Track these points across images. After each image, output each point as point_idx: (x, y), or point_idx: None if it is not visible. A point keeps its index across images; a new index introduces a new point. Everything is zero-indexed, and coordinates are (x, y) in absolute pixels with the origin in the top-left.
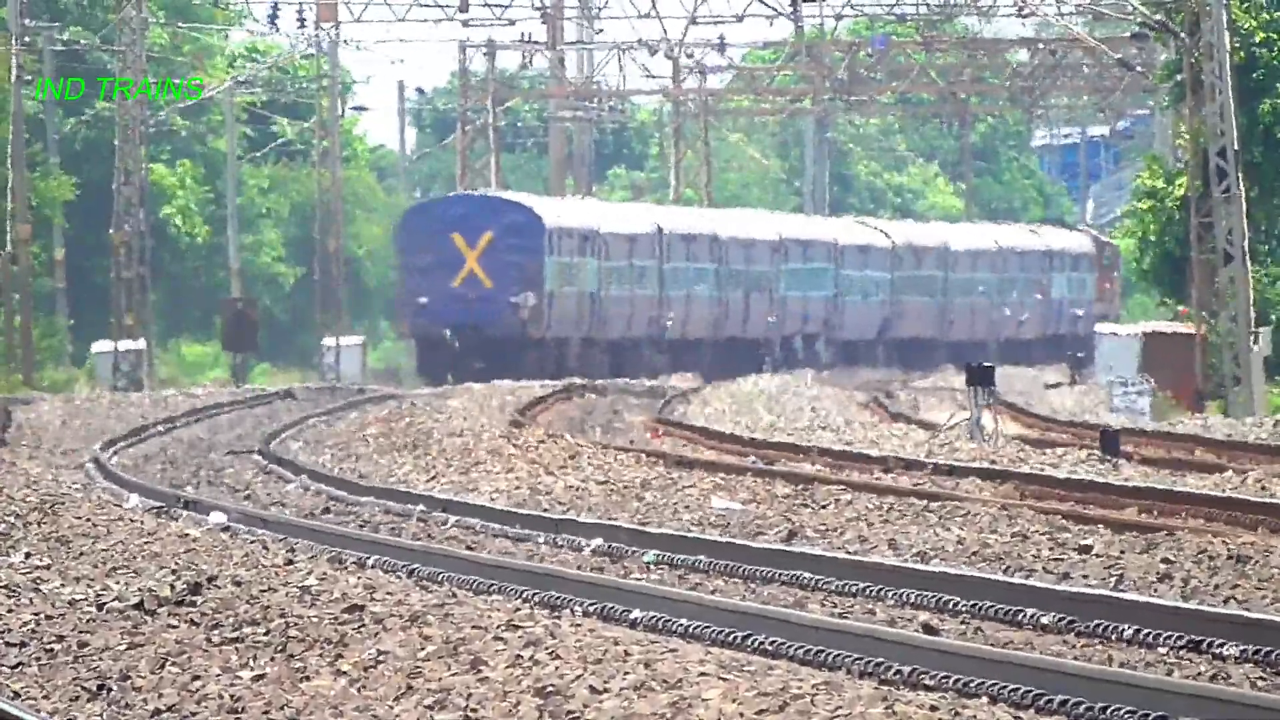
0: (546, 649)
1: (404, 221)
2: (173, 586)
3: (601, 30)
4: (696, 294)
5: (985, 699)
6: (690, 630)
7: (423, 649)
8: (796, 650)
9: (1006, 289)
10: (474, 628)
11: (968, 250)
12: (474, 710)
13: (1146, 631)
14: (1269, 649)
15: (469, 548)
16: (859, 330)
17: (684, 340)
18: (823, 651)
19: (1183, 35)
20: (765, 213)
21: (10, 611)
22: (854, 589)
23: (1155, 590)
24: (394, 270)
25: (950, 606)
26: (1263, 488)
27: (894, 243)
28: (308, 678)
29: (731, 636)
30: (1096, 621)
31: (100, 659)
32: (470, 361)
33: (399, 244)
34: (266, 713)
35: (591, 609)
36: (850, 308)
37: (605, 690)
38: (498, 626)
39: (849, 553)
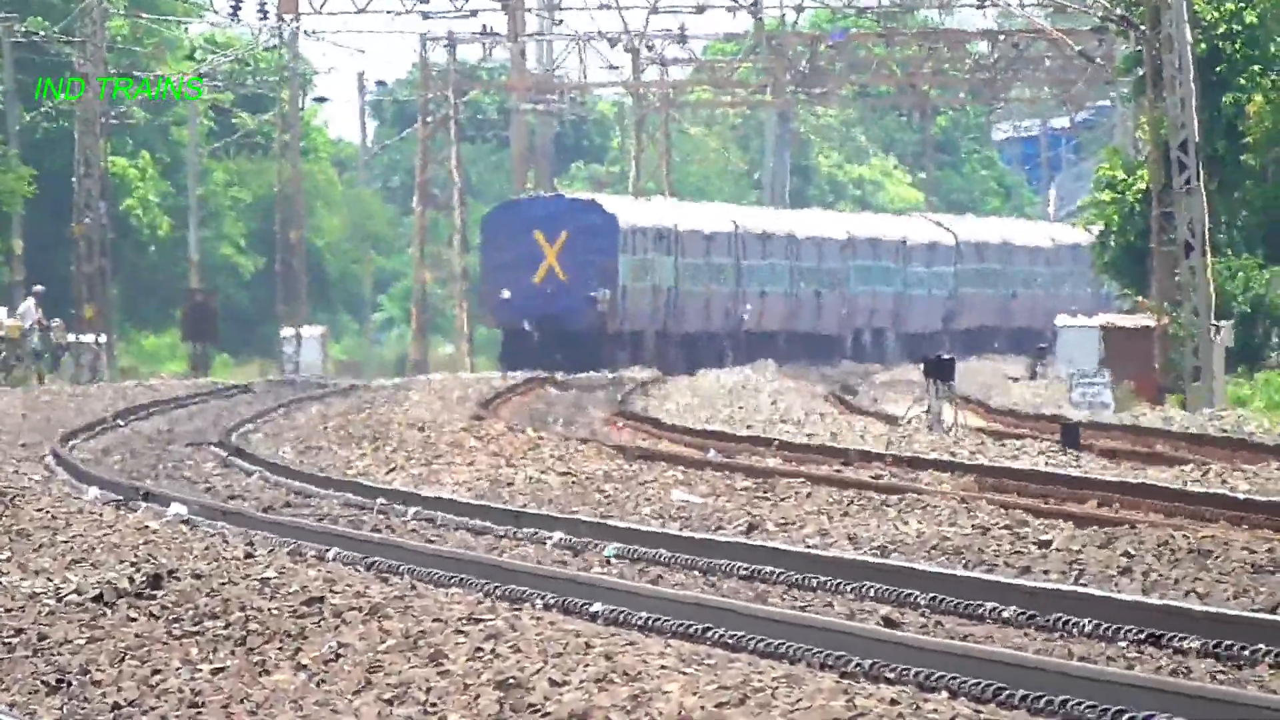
0: (507, 642)
1: (487, 221)
2: (132, 579)
3: (562, 22)
4: (771, 290)
5: (945, 693)
6: (651, 623)
7: (383, 642)
8: (757, 643)
9: (1060, 281)
10: (434, 620)
11: (1025, 245)
12: (434, 704)
13: (1107, 625)
14: (1230, 642)
15: (429, 540)
16: (924, 323)
17: (759, 333)
18: (783, 644)
19: (1144, 28)
20: (835, 212)
21: None
22: (814, 582)
23: (1116, 584)
24: (475, 267)
25: (910, 600)
26: (1223, 481)
27: (957, 239)
28: (267, 671)
29: (692, 629)
30: (1057, 615)
31: (59, 652)
32: (550, 353)
33: (482, 242)
34: (226, 706)
35: (552, 602)
36: (916, 301)
37: (566, 683)
38: (458, 619)
39: (809, 546)
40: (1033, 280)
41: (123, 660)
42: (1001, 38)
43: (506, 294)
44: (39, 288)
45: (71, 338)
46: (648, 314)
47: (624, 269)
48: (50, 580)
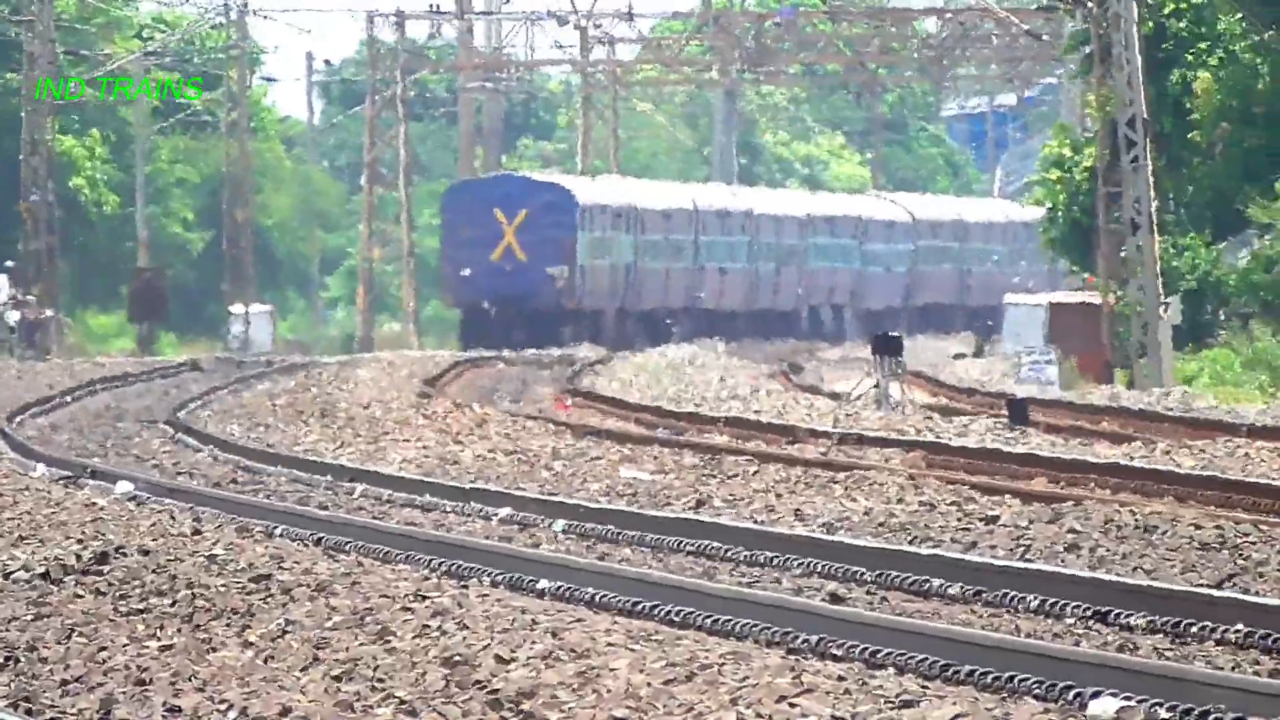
0: (454, 619)
1: (446, 200)
2: (79, 556)
3: (510, 0)
4: (730, 267)
5: (892, 669)
6: (598, 600)
7: (330, 619)
8: (704, 620)
9: (1016, 258)
10: (381, 597)
11: (981, 223)
12: (381, 680)
13: (1054, 601)
14: (1176, 619)
15: (376, 517)
16: (883, 299)
17: (718, 311)
18: (730, 621)
19: (1091, 6)
20: (794, 190)
21: None
22: (761, 559)
23: (1062, 560)
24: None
25: (857, 576)
26: (1170, 457)
27: (914, 216)
28: (214, 648)
29: (639, 606)
30: (1004, 591)
31: (6, 629)
32: (509, 331)
33: (443, 220)
34: (174, 683)
35: (499, 579)
36: (875, 278)
37: (513, 660)
38: (405, 596)
39: (756, 523)
40: (988, 257)
41: (70, 637)
42: (949, 16)
43: (466, 272)
44: (9, 264)
45: (48, 313)
46: (607, 291)
47: (582, 247)
48: None
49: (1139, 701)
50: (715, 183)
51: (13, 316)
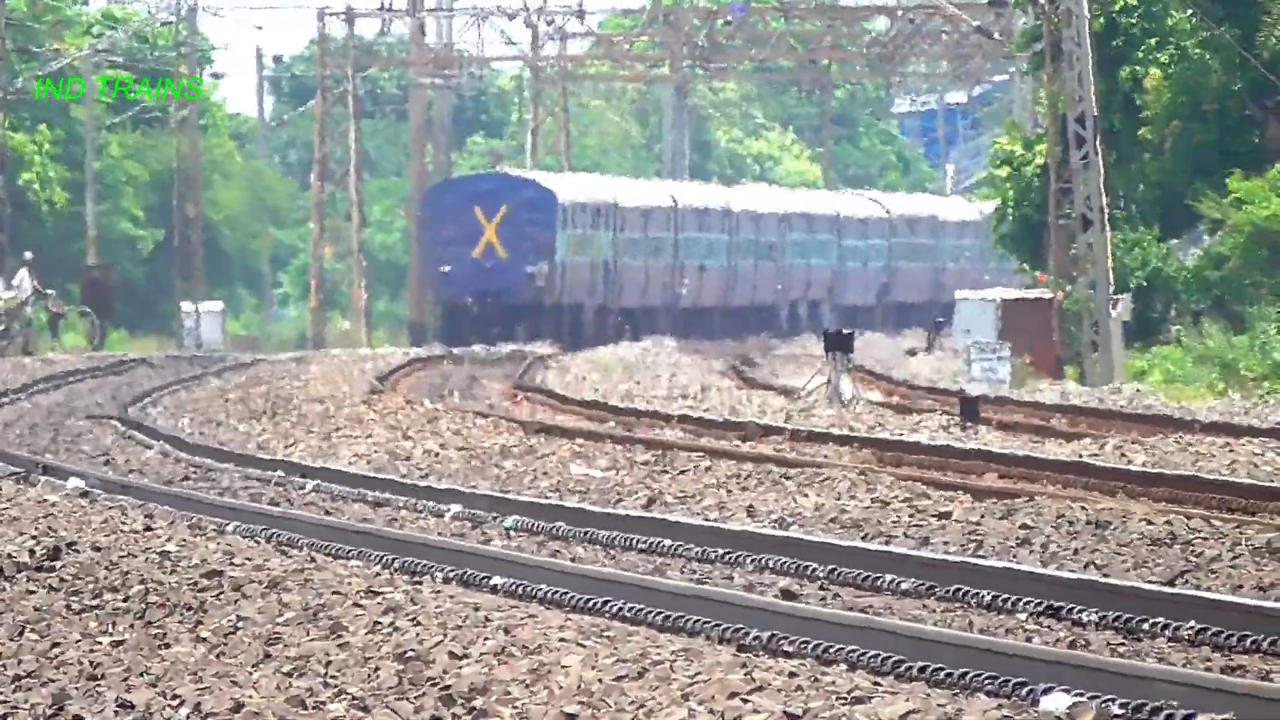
0: (406, 615)
1: (428, 198)
2: (32, 552)
3: None
4: (709, 264)
5: (844, 665)
6: (550, 596)
7: (282, 614)
8: (656, 616)
9: (989, 254)
10: (333, 593)
11: (955, 220)
12: (333, 676)
13: (1005, 597)
14: (1128, 615)
15: (328, 513)
16: (861, 296)
17: (697, 307)
18: (682, 618)
19: (1042, 2)
20: (773, 187)
21: None
22: (713, 555)
23: (1014, 556)
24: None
25: (809, 573)
26: (1121, 454)
27: (890, 213)
28: (167, 644)
29: (591, 603)
30: (956, 587)
31: None
32: (490, 327)
33: (423, 217)
34: (126, 679)
35: (451, 575)
36: (852, 275)
37: (465, 656)
38: (357, 592)
39: (708, 519)
40: (962, 254)
41: (22, 633)
42: (899, 13)
43: (447, 269)
44: (29, 255)
45: (69, 307)
46: (586, 288)
47: (562, 244)
48: None
49: (1091, 697)
50: (696, 181)
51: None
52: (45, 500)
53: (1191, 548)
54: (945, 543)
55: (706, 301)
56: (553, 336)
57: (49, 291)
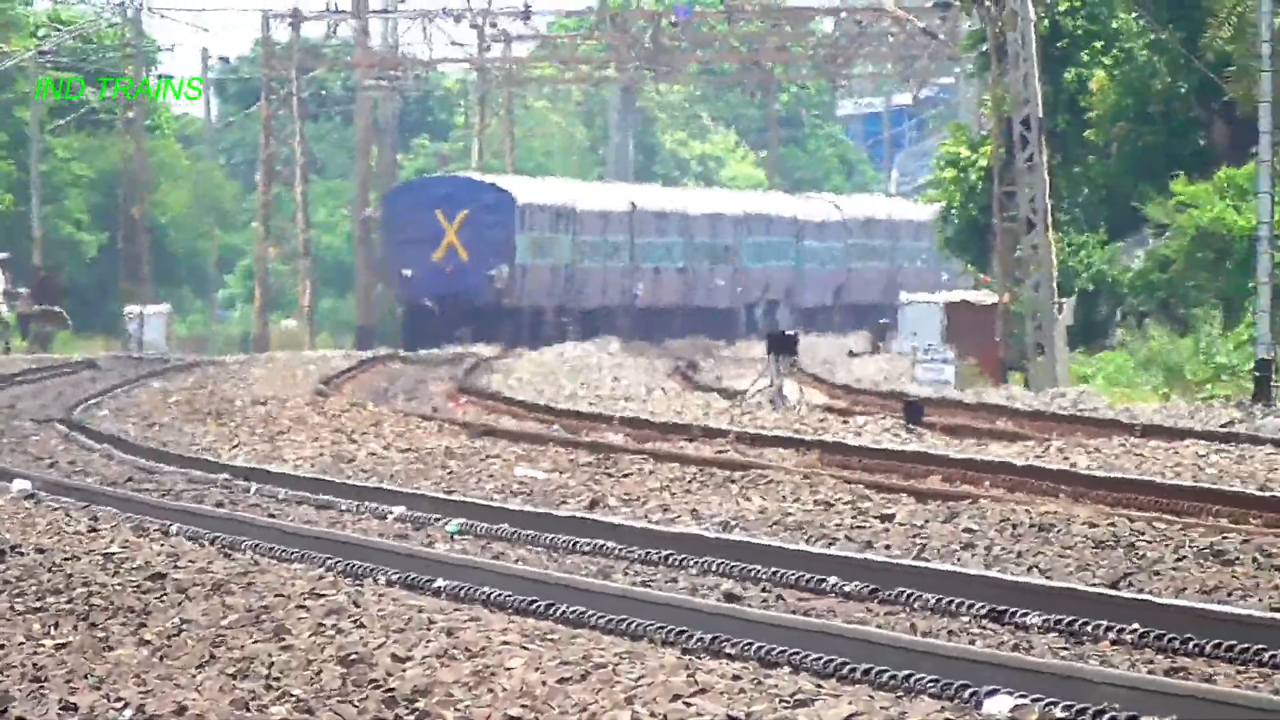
0: (350, 617)
1: (388, 201)
2: None
3: None
4: (666, 266)
5: (788, 668)
6: (493, 599)
7: (226, 617)
8: (599, 619)
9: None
10: (277, 596)
11: (910, 221)
12: (277, 678)
13: (949, 600)
14: (1071, 618)
15: (272, 515)
16: (818, 297)
17: (654, 309)
18: (625, 620)
19: (987, 4)
20: (731, 190)
21: None
22: (656, 558)
23: (958, 559)
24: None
25: (753, 575)
26: (1065, 456)
27: (846, 215)
28: (111, 646)
29: (535, 605)
30: (900, 590)
31: None
32: (451, 328)
33: (386, 221)
34: (70, 681)
35: (395, 577)
36: (809, 276)
37: (408, 659)
38: (301, 595)
39: (651, 522)
40: (918, 255)
41: None
42: (844, 14)
43: (408, 272)
44: (4, 255)
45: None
46: (546, 290)
47: (522, 247)
48: None
49: (1034, 700)
50: (641, 183)
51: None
52: None
53: (1135, 550)
54: (889, 545)
55: (663, 303)
56: (512, 337)
57: (21, 290)
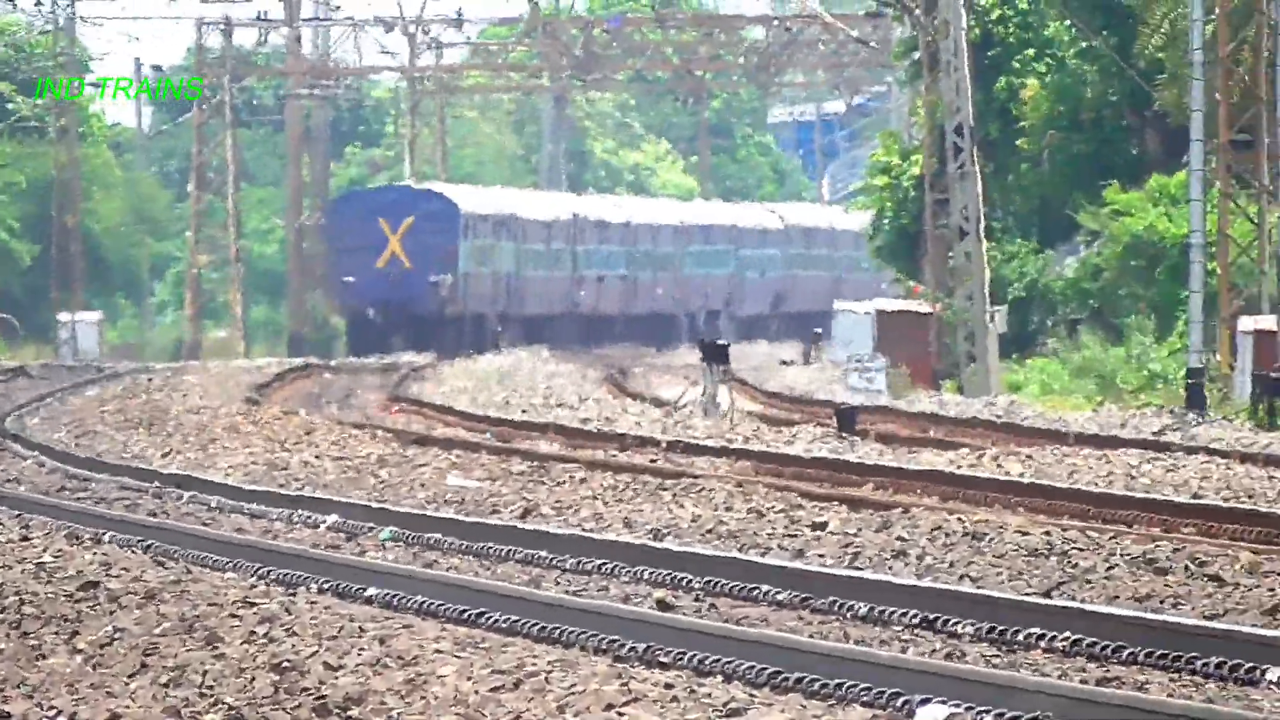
0: (282, 625)
1: (333, 208)
2: None
3: (338, 7)
4: (608, 274)
5: (720, 676)
6: (426, 607)
7: (159, 625)
8: (532, 627)
9: None
10: (210, 604)
11: (850, 230)
12: (210, 686)
13: (882, 609)
14: (1003, 627)
15: (205, 524)
16: (757, 305)
17: (596, 316)
18: (558, 628)
19: (919, 12)
20: (672, 200)
21: None
22: (589, 566)
23: (890, 567)
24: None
25: (685, 584)
26: (998, 465)
27: (786, 224)
28: (43, 655)
29: (467, 613)
30: (832, 598)
31: None
32: (394, 336)
33: (329, 229)
34: (1, 690)
35: (327, 586)
36: (749, 285)
37: (341, 666)
38: (234, 603)
39: (584, 530)
40: (858, 263)
41: None
42: (776, 22)
43: (350, 279)
44: None
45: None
46: (489, 298)
47: (465, 255)
48: None
49: (966, 709)
50: (592, 193)
51: None
52: None
53: (1068, 559)
54: (821, 554)
55: (606, 311)
56: (455, 345)
57: None
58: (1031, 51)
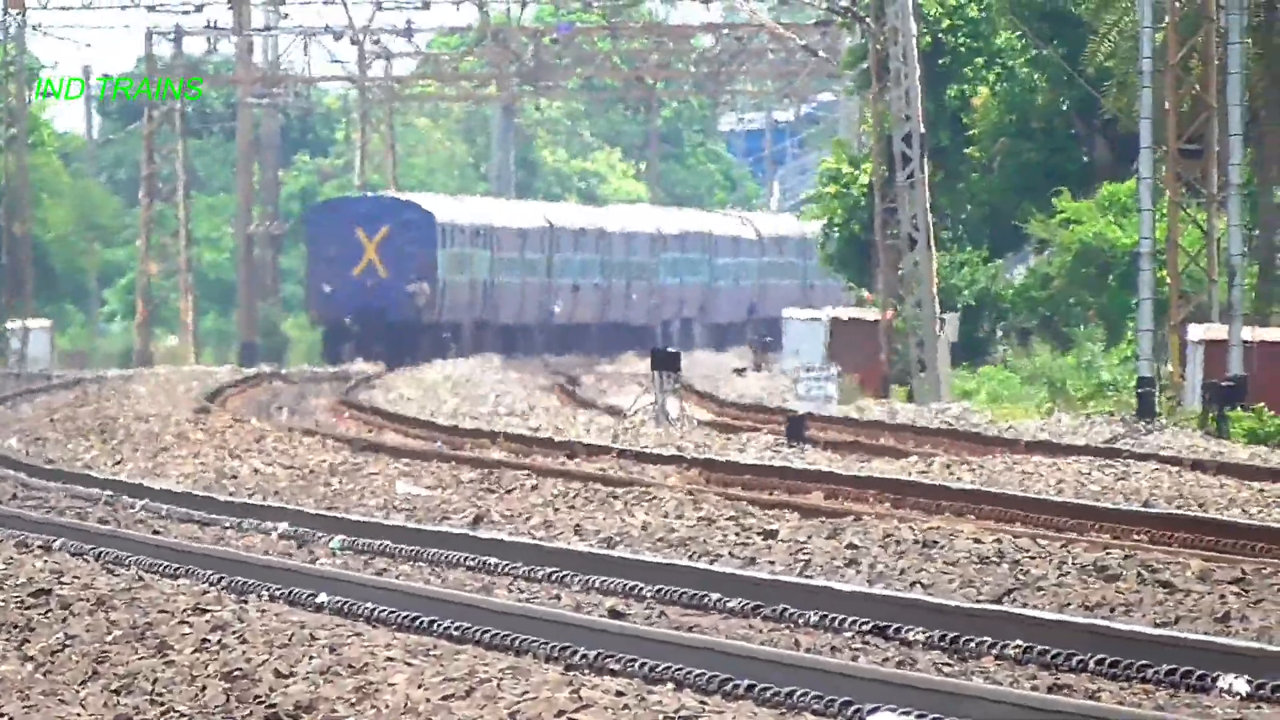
0: (233, 633)
1: (310, 217)
2: None
3: (287, 16)
4: (583, 283)
5: (671, 684)
6: (377, 615)
7: (110, 633)
8: (483, 635)
9: None
10: (161, 612)
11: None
12: (160, 694)
13: (832, 616)
14: (954, 634)
15: (156, 532)
16: (731, 313)
17: (571, 325)
18: (509, 636)
19: (868, 20)
20: (647, 207)
21: None
22: (540, 574)
23: (841, 575)
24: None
25: (636, 591)
26: (950, 472)
27: (759, 233)
28: None
29: (418, 621)
30: (782, 606)
31: None
32: (370, 344)
33: (306, 237)
34: None
35: (278, 593)
36: (723, 293)
37: (292, 674)
38: (184, 610)
39: (535, 538)
40: (828, 272)
41: None
42: (725, 31)
43: (327, 288)
44: None
45: None
46: (465, 306)
47: (442, 263)
48: None
49: (918, 716)
50: (568, 202)
51: None
52: None
53: (1019, 566)
54: (772, 562)
55: (581, 319)
56: (432, 353)
57: None
58: (981, 60)
